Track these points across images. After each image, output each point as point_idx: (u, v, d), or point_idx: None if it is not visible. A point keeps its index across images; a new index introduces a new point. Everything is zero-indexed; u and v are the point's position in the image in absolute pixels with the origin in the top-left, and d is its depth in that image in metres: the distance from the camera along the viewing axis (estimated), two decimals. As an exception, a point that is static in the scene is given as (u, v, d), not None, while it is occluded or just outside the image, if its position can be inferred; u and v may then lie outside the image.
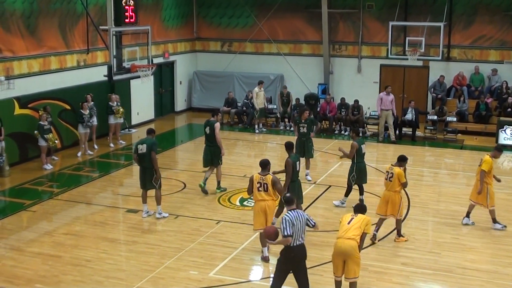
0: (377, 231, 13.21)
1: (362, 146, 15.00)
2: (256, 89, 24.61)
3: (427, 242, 13.36)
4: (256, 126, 24.58)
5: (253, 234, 13.35)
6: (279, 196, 12.05)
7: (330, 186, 16.88)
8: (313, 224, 10.07)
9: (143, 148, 13.95)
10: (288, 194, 10.60)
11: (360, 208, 10.46)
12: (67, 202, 15.83)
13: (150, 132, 14.43)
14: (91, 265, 11.98)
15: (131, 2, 19.37)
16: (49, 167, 18.58)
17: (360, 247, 10.05)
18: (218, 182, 16.43)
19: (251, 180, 12.00)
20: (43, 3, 19.93)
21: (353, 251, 9.92)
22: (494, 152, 14.06)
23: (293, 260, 9.81)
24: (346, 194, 15.35)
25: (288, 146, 13.37)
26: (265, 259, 12.13)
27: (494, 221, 13.87)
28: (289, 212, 9.80)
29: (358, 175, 15.08)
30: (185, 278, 11.42)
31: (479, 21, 24.97)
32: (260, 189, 11.84)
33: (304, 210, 14.90)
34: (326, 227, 13.99)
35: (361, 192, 15.27)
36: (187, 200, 15.87)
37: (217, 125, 15.91)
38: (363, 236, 10.01)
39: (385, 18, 25.54)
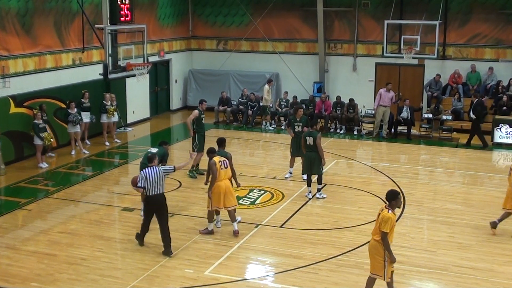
0: (499, 221, 13.60)
1: (306, 137, 15.80)
2: (267, 86, 24.83)
3: (423, 240, 13.39)
4: (268, 124, 24.78)
5: (249, 233, 13.40)
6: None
7: (325, 184, 16.87)
8: (172, 168, 12.45)
9: (153, 150, 14.30)
10: (149, 154, 12.75)
11: (388, 195, 10.10)
12: (62, 200, 15.81)
13: (164, 143, 14.76)
14: (86, 263, 11.97)
15: (127, 1, 19.32)
16: (44, 165, 18.56)
17: (384, 248, 9.88)
18: (192, 166, 17.61)
19: (213, 164, 13.00)
20: (39, 1, 19.89)
21: (374, 251, 10.00)
22: None
23: (152, 207, 12.20)
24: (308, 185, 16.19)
25: (219, 142, 14.03)
26: (210, 232, 13.37)
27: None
28: (147, 168, 12.18)
29: (304, 165, 16.09)
30: (180, 277, 11.42)
31: (475, 19, 25.00)
32: (222, 167, 13.02)
33: (299, 209, 15.02)
34: (320, 225, 14.03)
35: (318, 181, 16.00)
36: (182, 198, 15.87)
37: (194, 111, 17.49)
38: (382, 235, 9.86)
39: (381, 16, 25.55)
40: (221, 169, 13.02)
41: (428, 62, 25.38)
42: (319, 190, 15.99)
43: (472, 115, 21.64)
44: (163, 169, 12.28)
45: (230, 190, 13.22)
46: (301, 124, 17.29)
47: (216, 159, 13.10)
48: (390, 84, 23.02)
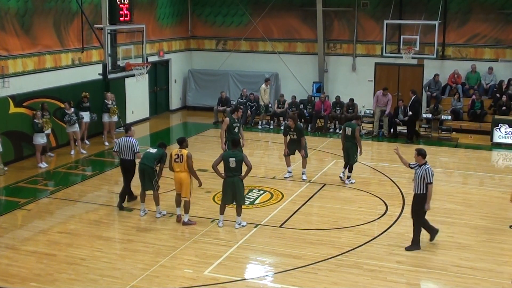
0: None
1: (346, 128, 16.94)
2: (264, 86, 24.96)
3: (422, 240, 13.34)
4: (260, 122, 24.82)
5: (248, 233, 13.42)
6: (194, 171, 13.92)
7: (324, 184, 16.91)
8: (137, 150, 14.59)
9: (152, 151, 14.50)
10: (126, 127, 15.54)
11: None
12: (62, 200, 15.81)
13: (163, 145, 14.83)
14: (86, 263, 11.97)
15: (126, 1, 19.30)
16: (44, 165, 18.56)
17: None
18: None
19: (167, 155, 14.19)
20: (38, 1, 19.88)
21: None
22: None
23: (122, 168, 14.92)
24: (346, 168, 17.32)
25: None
26: (178, 218, 14.13)
27: None
28: (122, 137, 14.79)
29: (344, 155, 17.11)
30: (180, 277, 11.43)
31: (474, 19, 24.99)
32: (177, 160, 13.69)
33: (298, 209, 15.03)
34: (320, 225, 14.03)
35: (348, 168, 17.16)
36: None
37: (225, 119, 17.28)
38: None
39: (380, 16, 25.56)
40: (175, 161, 13.68)
41: (427, 62, 25.39)
42: (348, 177, 17.07)
43: (409, 112, 22.26)
44: (134, 143, 14.59)
45: (185, 182, 13.70)
46: (295, 133, 17.27)
47: (174, 151, 13.79)
48: (387, 90, 23.31)
